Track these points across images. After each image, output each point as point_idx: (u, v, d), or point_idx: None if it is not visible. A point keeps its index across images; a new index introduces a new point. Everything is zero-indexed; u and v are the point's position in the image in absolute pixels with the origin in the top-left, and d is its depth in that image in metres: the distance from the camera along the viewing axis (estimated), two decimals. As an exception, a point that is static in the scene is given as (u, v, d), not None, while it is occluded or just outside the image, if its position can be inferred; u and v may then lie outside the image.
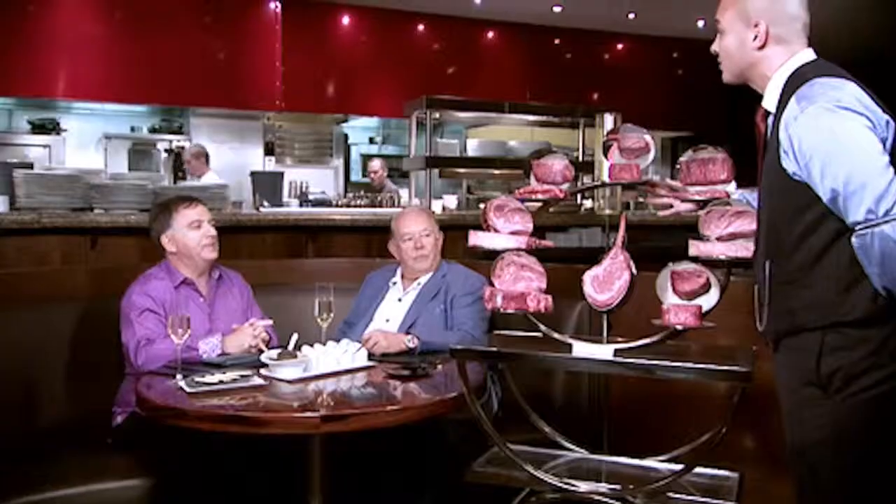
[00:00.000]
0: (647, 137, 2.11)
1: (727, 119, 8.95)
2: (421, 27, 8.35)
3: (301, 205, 6.31)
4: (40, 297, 2.79)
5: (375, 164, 7.32)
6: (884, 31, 7.64)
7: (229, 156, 7.44)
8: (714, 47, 1.88)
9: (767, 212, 1.79)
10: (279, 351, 2.35)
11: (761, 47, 1.78)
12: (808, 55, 1.78)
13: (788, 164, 1.68)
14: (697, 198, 2.00)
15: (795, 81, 1.72)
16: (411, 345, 2.61)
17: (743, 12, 1.79)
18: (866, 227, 1.56)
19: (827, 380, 1.67)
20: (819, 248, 1.66)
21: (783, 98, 1.73)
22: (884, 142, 1.62)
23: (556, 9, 8.10)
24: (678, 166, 2.04)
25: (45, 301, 2.78)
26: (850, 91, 1.65)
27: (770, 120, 1.79)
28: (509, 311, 2.08)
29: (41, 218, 3.50)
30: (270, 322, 2.65)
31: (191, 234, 2.67)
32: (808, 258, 1.68)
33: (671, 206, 2.15)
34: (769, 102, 1.79)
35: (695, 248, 1.92)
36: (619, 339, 2.01)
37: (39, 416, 2.61)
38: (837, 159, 1.59)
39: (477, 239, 2.15)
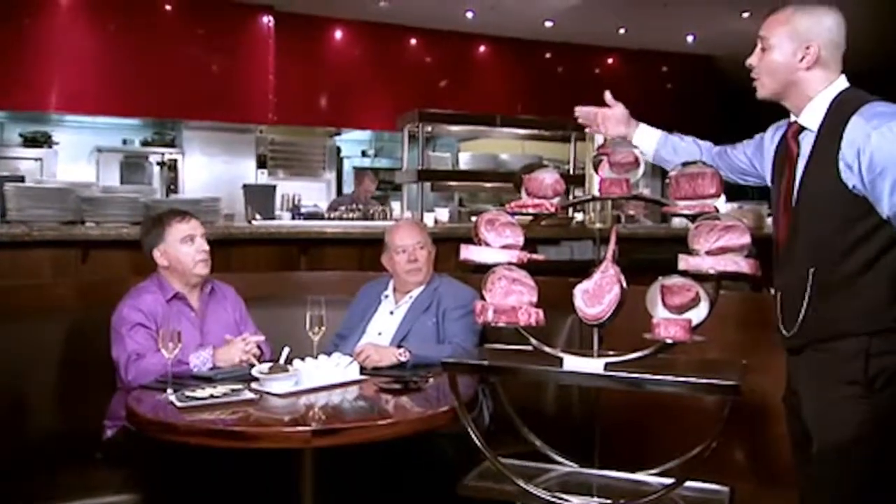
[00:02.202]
0: (637, 152, 2.13)
1: (716, 133, 8.99)
2: (413, 41, 8.39)
3: (293, 218, 6.32)
4: (30, 311, 2.78)
5: (371, 183, 7.17)
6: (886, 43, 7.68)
7: (221, 168, 7.44)
8: (752, 61, 1.94)
9: (810, 222, 1.86)
10: (270, 364, 2.35)
11: (808, 68, 1.86)
12: (845, 83, 1.88)
13: (850, 178, 1.77)
14: (687, 212, 2.02)
15: (846, 105, 1.82)
16: (403, 358, 2.61)
17: (796, 32, 1.87)
18: None
19: (872, 379, 1.75)
20: (870, 258, 1.76)
21: (832, 118, 1.82)
22: None
23: (548, 23, 8.16)
24: (668, 181, 2.06)
25: (35, 314, 2.77)
26: None
27: (808, 137, 1.87)
28: (500, 324, 2.08)
29: (32, 231, 3.50)
30: (263, 338, 2.65)
31: (184, 248, 2.67)
32: (858, 267, 1.77)
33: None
34: (810, 121, 1.88)
35: (684, 262, 1.92)
36: (610, 353, 2.01)
37: (29, 429, 2.60)
38: None
39: (468, 253, 2.16)
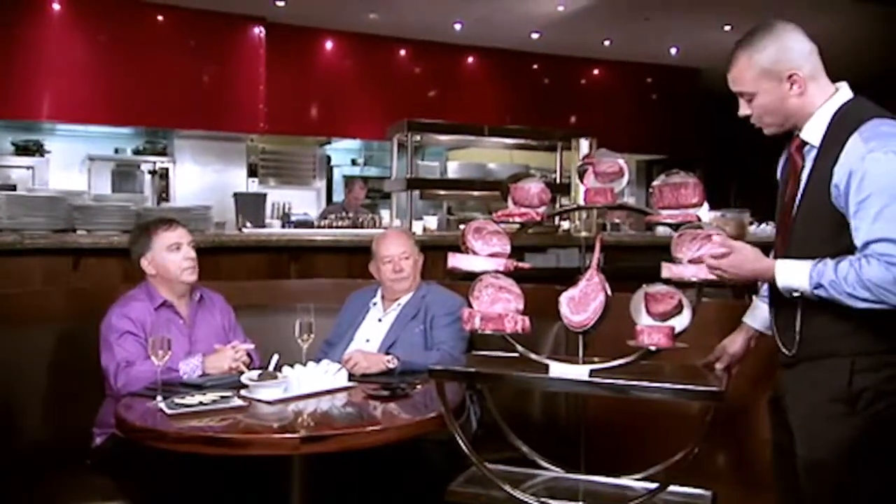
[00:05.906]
0: (622, 162, 2.16)
1: (699, 143, 9.14)
2: (402, 52, 8.44)
3: (283, 226, 6.33)
4: (21, 318, 2.78)
5: (360, 190, 7.23)
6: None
7: (213, 177, 7.47)
8: (744, 112, 1.88)
9: (804, 239, 1.82)
10: (259, 372, 2.37)
11: (802, 93, 1.80)
12: (847, 91, 1.83)
13: (838, 197, 1.73)
14: (670, 221, 2.05)
15: (847, 120, 1.75)
16: (391, 365, 2.63)
17: (767, 71, 1.80)
18: None
19: (856, 397, 1.73)
20: None
21: (833, 135, 1.77)
22: None
23: (535, 35, 8.23)
24: (651, 190, 2.09)
25: (26, 322, 2.77)
26: None
27: (812, 152, 1.82)
28: (487, 331, 2.11)
29: (23, 239, 3.50)
30: (252, 346, 2.66)
31: (170, 256, 2.68)
32: None
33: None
34: (812, 136, 1.82)
35: (667, 269, 1.95)
36: (595, 359, 2.04)
37: (18, 436, 2.60)
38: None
39: (456, 261, 2.18)
